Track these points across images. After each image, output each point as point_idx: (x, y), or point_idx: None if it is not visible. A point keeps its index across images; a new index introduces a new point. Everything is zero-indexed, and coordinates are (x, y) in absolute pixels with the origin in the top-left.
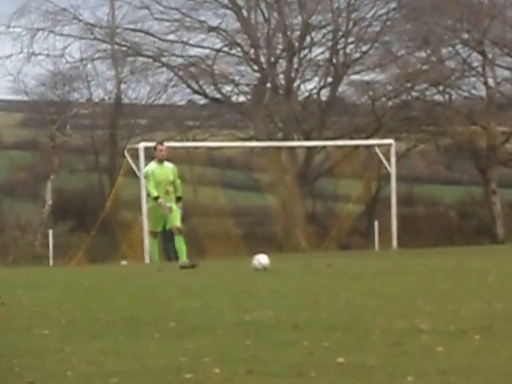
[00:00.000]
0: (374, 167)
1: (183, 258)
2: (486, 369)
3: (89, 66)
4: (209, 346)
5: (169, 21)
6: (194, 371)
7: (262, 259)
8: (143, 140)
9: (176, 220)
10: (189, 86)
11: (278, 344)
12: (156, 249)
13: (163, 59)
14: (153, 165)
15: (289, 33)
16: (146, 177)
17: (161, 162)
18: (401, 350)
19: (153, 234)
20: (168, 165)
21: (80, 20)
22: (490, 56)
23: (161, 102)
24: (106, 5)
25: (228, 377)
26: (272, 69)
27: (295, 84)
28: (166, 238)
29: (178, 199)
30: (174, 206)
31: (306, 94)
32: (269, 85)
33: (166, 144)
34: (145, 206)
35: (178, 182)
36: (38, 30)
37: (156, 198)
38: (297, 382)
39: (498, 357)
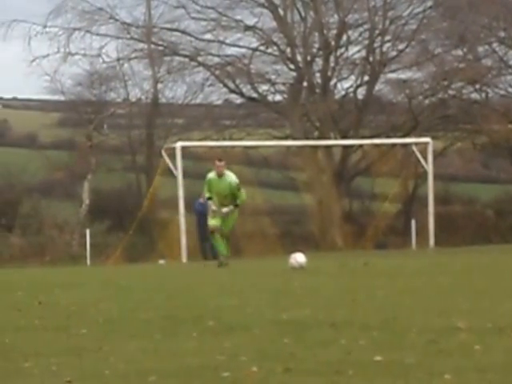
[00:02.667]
0: (410, 166)
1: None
2: None
3: (125, 65)
4: (246, 344)
5: (205, 20)
6: (232, 369)
7: (299, 258)
8: (180, 139)
9: (228, 225)
10: (225, 86)
11: (316, 342)
12: (220, 243)
13: (200, 58)
14: (212, 174)
15: (325, 31)
16: (205, 182)
17: (219, 176)
18: (438, 348)
19: (212, 230)
20: (226, 179)
21: (116, 20)
22: None
23: (197, 101)
24: (142, 4)
25: (265, 375)
26: (308, 67)
27: (332, 83)
28: (203, 238)
29: (236, 206)
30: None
31: (343, 92)
32: (305, 83)
33: (203, 143)
34: (182, 206)
35: (239, 193)
36: (75, 29)
37: (209, 199)
38: (334, 380)
39: None
